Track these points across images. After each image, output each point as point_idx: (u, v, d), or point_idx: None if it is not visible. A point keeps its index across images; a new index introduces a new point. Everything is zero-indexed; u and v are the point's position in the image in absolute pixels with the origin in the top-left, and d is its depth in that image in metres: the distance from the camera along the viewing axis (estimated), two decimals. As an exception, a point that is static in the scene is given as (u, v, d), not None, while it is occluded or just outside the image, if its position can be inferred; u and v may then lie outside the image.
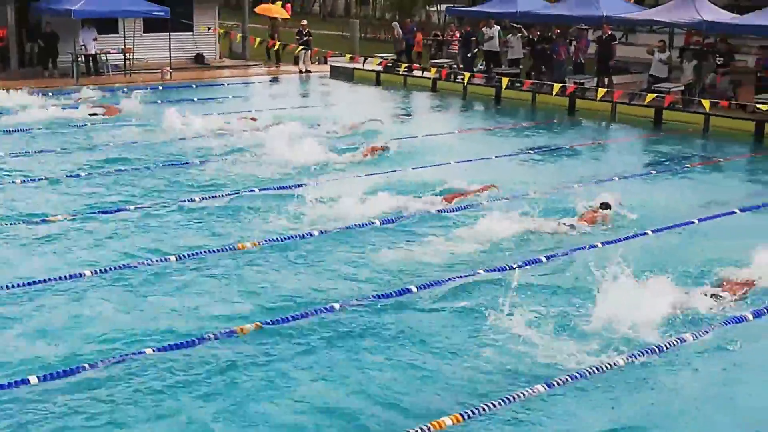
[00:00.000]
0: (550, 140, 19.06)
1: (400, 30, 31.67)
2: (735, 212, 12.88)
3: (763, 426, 6.99)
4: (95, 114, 20.29)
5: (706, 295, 9.07)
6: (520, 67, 26.65)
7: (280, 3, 36.14)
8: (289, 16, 39.31)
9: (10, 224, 11.40)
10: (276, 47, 31.23)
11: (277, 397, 7.15)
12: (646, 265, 9.34)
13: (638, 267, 8.90)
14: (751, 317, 8.76)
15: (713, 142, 19.44)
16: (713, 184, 15.16)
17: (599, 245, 10.86)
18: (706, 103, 20.14)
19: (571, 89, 22.82)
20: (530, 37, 26.50)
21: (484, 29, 26.67)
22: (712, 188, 14.79)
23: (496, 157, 16.76)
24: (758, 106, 19.58)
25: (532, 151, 17.54)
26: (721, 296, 9.11)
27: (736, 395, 7.48)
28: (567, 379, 7.33)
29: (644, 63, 23.94)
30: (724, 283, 9.48)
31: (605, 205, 12.27)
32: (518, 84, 24.71)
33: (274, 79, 29.46)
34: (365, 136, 18.14)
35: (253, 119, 19.64)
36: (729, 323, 8.58)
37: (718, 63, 22.09)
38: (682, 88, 22.31)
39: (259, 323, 8.35)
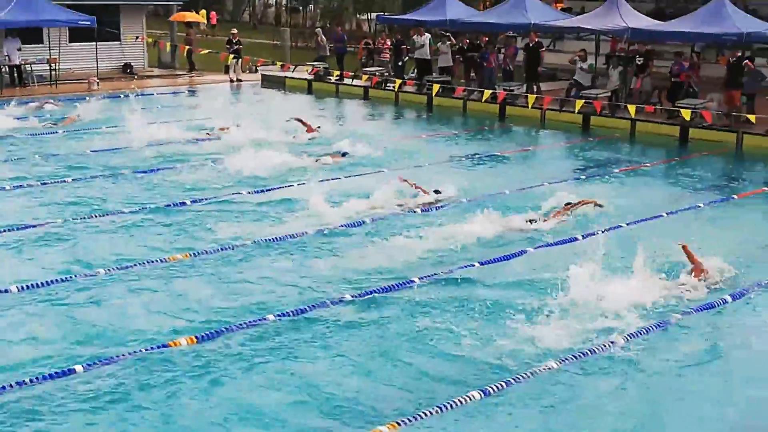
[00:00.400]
0: (482, 147, 19.23)
1: (323, 36, 31.77)
2: (663, 215, 13.16)
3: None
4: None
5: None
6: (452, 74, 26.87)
7: (204, 12, 36.05)
8: (204, 21, 39.13)
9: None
10: (186, 52, 31.11)
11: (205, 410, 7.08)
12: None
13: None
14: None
15: (640, 147, 19.84)
16: (641, 188, 15.45)
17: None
18: (631, 108, 20.60)
19: (502, 96, 23.07)
20: (460, 45, 26.74)
21: (415, 37, 26.83)
22: (639, 192, 15.08)
23: (429, 164, 16.85)
24: (682, 111, 20.08)
25: (464, 158, 17.68)
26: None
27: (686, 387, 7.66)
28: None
29: (572, 70, 24.33)
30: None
31: (570, 204, 12.87)
32: (450, 91, 24.89)
33: (204, 89, 29.08)
34: (319, 144, 18.25)
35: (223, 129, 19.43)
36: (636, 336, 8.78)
37: (638, 65, 22.58)
38: (609, 94, 22.76)
39: (193, 337, 8.24)
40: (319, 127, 19.75)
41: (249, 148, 16.46)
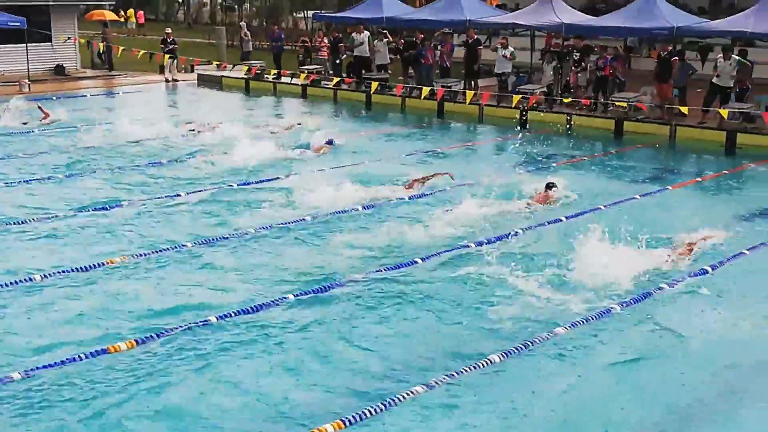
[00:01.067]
0: (422, 144, 19.30)
1: (247, 31, 31.73)
2: (600, 208, 13.35)
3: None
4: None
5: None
6: (389, 72, 26.91)
7: (132, 11, 35.59)
8: (119, 19, 38.70)
9: None
10: (101, 51, 30.77)
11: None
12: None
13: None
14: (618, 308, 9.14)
15: (576, 140, 20.10)
16: (578, 181, 15.63)
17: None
18: (567, 101, 20.90)
19: (441, 93, 23.23)
20: (396, 43, 26.78)
21: (354, 35, 26.79)
22: (577, 185, 15.25)
23: (368, 161, 16.85)
24: (617, 103, 20.43)
25: (405, 155, 17.71)
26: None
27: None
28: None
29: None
30: None
31: (550, 186, 13.53)
32: (388, 88, 24.92)
33: (141, 89, 28.64)
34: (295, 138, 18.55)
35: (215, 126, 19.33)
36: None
37: (574, 60, 22.90)
38: (545, 89, 23.04)
39: (133, 341, 8.10)
40: (299, 123, 20.36)
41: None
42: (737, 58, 19.91)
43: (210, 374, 7.63)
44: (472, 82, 24.59)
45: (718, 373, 7.90)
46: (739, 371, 7.99)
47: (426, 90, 23.10)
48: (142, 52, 28.45)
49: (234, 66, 28.97)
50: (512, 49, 23.70)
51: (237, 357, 7.96)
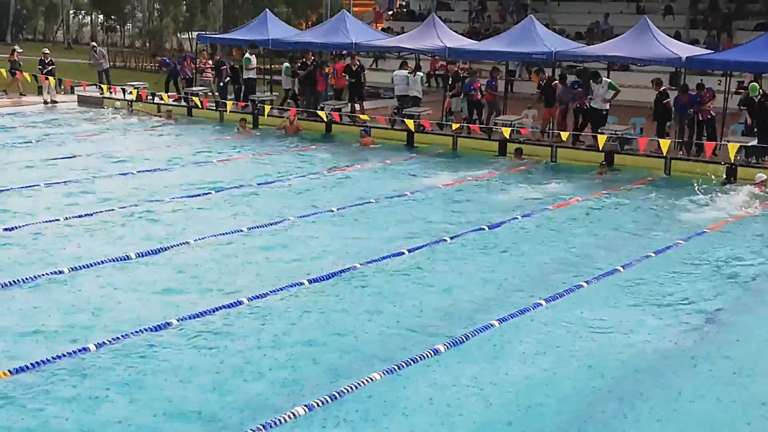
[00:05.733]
0: (307, 165, 19.31)
1: (100, 49, 31.41)
2: (484, 228, 13.65)
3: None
4: None
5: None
6: (275, 94, 26.80)
7: None
8: None
9: None
10: None
11: None
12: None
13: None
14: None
15: (462, 161, 20.43)
16: (463, 204, 15.92)
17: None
18: (455, 125, 21.37)
19: (336, 116, 23.29)
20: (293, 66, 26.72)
21: (247, 55, 26.53)
22: (460, 207, 15.56)
23: (257, 183, 16.78)
24: (501, 129, 20.96)
25: (291, 176, 17.74)
26: None
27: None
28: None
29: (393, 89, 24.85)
30: None
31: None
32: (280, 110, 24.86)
33: (19, 111, 27.46)
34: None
35: None
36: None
37: (448, 85, 23.38)
38: (430, 111, 23.41)
39: (7, 371, 7.81)
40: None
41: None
42: (608, 81, 20.87)
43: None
44: (358, 105, 24.84)
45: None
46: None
47: (323, 113, 23.36)
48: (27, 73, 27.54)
49: (124, 90, 28.10)
50: (422, 74, 24.08)
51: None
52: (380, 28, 37.14)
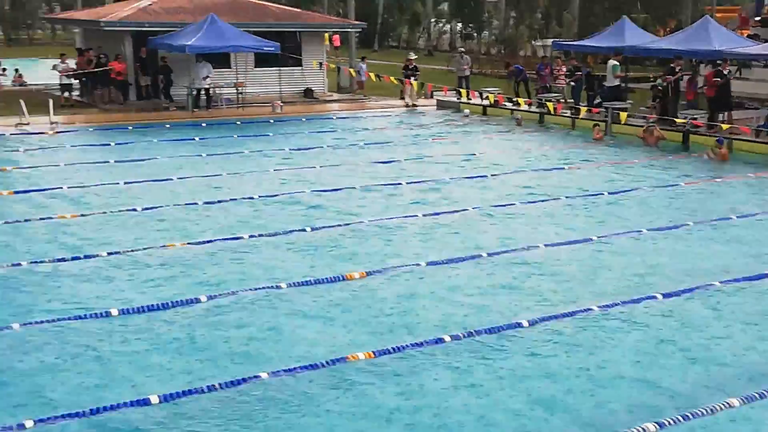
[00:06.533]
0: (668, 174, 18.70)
1: (467, 57, 32.18)
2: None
3: None
4: None
5: None
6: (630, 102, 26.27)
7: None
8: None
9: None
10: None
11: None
12: None
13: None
14: None
15: None
16: None
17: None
18: None
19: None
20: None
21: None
22: None
23: (609, 193, 16.60)
24: None
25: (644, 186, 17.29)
26: None
27: None
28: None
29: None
30: None
31: None
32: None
33: (383, 113, 29.42)
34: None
35: None
36: None
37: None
38: None
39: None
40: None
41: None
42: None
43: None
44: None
45: None
46: None
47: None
48: (373, 76, 29.61)
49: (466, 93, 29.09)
50: None
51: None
52: (746, 34, 34.74)
